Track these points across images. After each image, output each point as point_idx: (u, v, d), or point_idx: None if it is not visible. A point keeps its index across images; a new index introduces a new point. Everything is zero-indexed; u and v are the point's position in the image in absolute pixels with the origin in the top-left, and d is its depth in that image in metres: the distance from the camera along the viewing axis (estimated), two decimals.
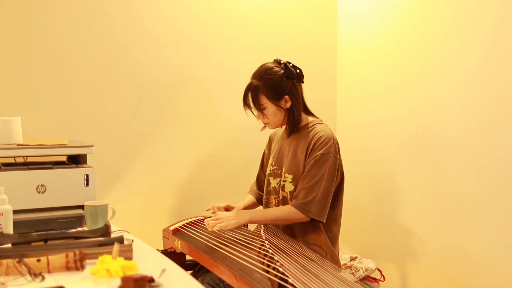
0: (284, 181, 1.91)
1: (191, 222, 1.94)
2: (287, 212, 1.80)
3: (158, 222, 2.25)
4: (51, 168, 1.76)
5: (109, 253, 1.28)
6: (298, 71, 1.90)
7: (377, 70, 2.49)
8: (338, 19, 2.73)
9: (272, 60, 1.93)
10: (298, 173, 1.87)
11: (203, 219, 2.00)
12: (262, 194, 2.11)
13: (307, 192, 1.80)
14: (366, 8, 2.55)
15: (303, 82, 1.93)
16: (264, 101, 1.87)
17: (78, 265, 1.25)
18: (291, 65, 1.89)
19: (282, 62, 1.90)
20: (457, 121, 2.06)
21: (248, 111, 1.93)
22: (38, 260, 1.24)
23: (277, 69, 1.87)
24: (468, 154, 2.01)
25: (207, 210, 1.94)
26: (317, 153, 1.82)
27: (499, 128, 1.90)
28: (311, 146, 1.85)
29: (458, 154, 2.06)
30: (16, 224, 1.59)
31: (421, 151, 2.23)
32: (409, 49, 2.29)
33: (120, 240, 1.40)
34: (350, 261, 2.12)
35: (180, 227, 1.89)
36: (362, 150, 2.57)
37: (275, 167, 1.98)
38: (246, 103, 1.91)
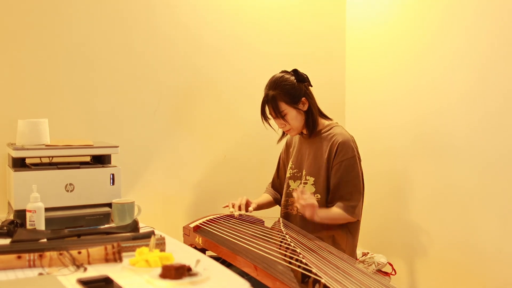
0: (305, 183, 2.00)
1: (211, 219, 2.01)
2: (340, 213, 1.91)
3: (176, 220, 2.32)
4: (78, 167, 1.83)
5: (146, 245, 1.36)
6: (305, 76, 2.01)
7: (385, 74, 2.56)
8: (346, 24, 2.81)
9: (280, 70, 2.04)
10: (320, 176, 1.96)
11: (221, 217, 2.06)
12: (279, 195, 2.21)
13: (351, 198, 1.91)
14: (375, 13, 2.62)
15: (312, 86, 2.04)
16: (284, 107, 1.95)
17: (116, 257, 1.33)
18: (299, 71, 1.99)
19: (289, 71, 2.00)
20: (465, 121, 2.13)
21: (266, 124, 2.01)
22: (79, 252, 1.31)
23: (288, 76, 1.98)
24: (475, 152, 2.09)
25: (225, 207, 2.05)
26: (343, 158, 1.92)
27: (506, 126, 1.97)
28: (334, 151, 1.94)
29: (465, 152, 2.13)
30: (46, 221, 1.66)
31: (429, 150, 2.30)
32: (417, 53, 2.36)
33: (153, 234, 1.48)
34: (362, 256, 2.20)
35: (200, 224, 1.96)
36: (370, 151, 2.63)
37: (295, 170, 2.07)
38: (264, 116, 2.00)
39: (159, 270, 1.19)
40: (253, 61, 2.56)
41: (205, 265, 1.28)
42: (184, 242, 2.03)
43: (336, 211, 1.91)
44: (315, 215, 1.83)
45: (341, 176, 1.92)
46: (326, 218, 1.90)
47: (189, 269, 1.20)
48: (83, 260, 1.31)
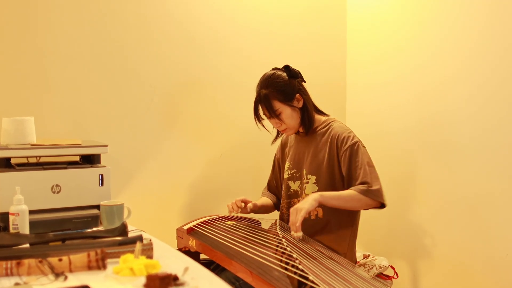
0: (307, 182, 1.91)
1: (205, 221, 1.94)
2: (352, 194, 1.77)
3: (170, 221, 2.25)
4: (65, 168, 1.77)
5: (131, 252, 1.28)
6: (297, 71, 1.93)
7: (387, 55, 2.47)
8: (347, 4, 2.72)
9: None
10: (322, 173, 1.88)
11: (216, 218, 1.99)
12: (276, 198, 2.13)
13: (366, 181, 1.78)
14: None
15: (305, 81, 1.95)
16: (278, 105, 1.86)
17: (100, 264, 1.25)
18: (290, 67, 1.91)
19: (280, 67, 1.92)
20: (471, 119, 2.05)
21: (260, 125, 1.92)
22: (60, 260, 1.24)
23: (279, 72, 1.90)
24: (481, 152, 2.01)
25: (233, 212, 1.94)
26: (347, 147, 1.83)
27: None
28: (335, 145, 1.86)
29: (471, 152, 2.06)
30: (31, 224, 1.59)
31: (434, 148, 2.23)
32: (420, 34, 2.28)
33: (140, 239, 1.40)
34: (363, 259, 2.12)
35: (194, 226, 1.89)
36: (371, 137, 2.52)
37: (293, 171, 1.98)
38: (257, 116, 1.91)
39: (143, 279, 1.12)
40: (251, 51, 2.47)
41: (193, 273, 1.20)
42: (178, 244, 1.96)
43: (347, 191, 1.78)
44: (319, 197, 1.70)
45: (349, 163, 1.83)
46: (334, 196, 1.76)
47: (175, 278, 1.12)
48: (64, 267, 1.23)
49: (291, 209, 1.71)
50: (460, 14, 2.08)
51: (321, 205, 1.76)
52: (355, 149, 1.83)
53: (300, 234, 1.66)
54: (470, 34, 2.04)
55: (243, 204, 1.94)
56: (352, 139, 1.85)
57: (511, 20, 1.88)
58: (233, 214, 1.94)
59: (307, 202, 1.70)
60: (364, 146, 1.88)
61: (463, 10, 2.06)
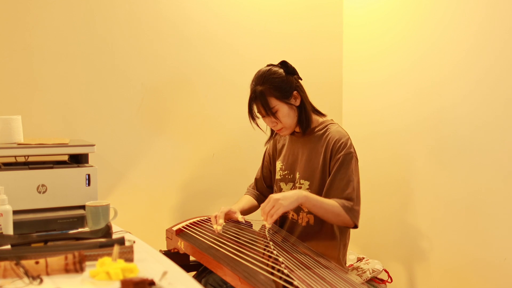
0: (299, 187, 1.84)
1: (194, 222, 1.91)
2: (336, 206, 1.69)
3: (161, 222, 2.23)
4: (52, 167, 1.74)
5: (109, 255, 1.25)
6: (294, 68, 1.85)
7: (384, 52, 2.43)
8: (344, 1, 2.69)
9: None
10: (315, 179, 1.81)
11: (206, 219, 1.96)
12: (262, 197, 2.05)
13: (347, 196, 1.72)
14: None
15: (301, 79, 1.88)
16: (275, 103, 1.78)
17: (77, 267, 1.22)
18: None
19: (276, 63, 1.85)
20: (469, 117, 2.01)
21: (254, 124, 1.84)
22: (37, 262, 1.21)
23: (276, 68, 1.81)
24: (479, 152, 1.97)
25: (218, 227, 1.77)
26: (340, 155, 1.76)
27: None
28: (330, 149, 1.79)
29: (469, 152, 2.01)
30: (16, 224, 1.57)
31: (431, 148, 2.18)
32: (417, 30, 2.24)
33: (121, 241, 1.37)
34: (357, 261, 2.08)
35: (183, 227, 1.86)
36: (368, 136, 2.51)
37: (285, 172, 1.92)
38: (252, 115, 1.82)
39: (119, 284, 1.08)
40: (245, 48, 2.44)
41: (172, 278, 1.17)
42: (167, 246, 1.93)
43: (331, 202, 1.70)
44: (303, 198, 1.63)
45: (337, 171, 1.75)
46: (317, 202, 1.67)
47: (151, 283, 1.09)
48: (40, 270, 1.20)
49: (271, 196, 1.62)
50: (457, 11, 2.04)
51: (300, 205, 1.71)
52: (348, 159, 1.76)
53: (269, 226, 1.60)
54: (467, 31, 2.00)
55: (223, 223, 1.76)
56: (348, 148, 1.77)
57: (508, 17, 1.84)
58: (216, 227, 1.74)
59: (289, 200, 1.62)
60: (357, 159, 1.81)
61: (460, 7, 2.02)
